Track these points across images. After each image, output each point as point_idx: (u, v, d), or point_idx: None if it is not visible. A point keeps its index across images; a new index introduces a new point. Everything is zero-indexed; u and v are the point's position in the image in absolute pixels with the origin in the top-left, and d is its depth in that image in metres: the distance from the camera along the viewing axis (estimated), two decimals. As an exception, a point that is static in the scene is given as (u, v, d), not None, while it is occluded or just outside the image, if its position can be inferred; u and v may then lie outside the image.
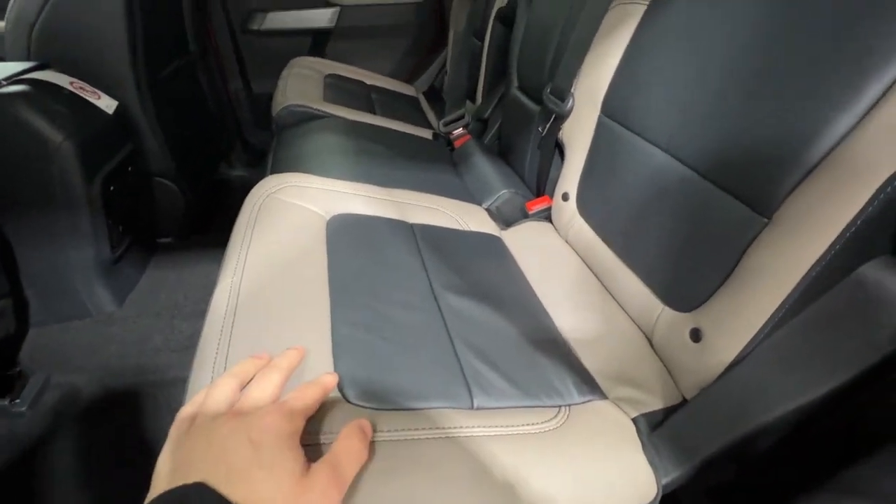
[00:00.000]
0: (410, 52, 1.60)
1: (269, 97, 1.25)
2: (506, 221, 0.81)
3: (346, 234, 0.62)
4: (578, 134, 0.70)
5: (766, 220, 0.40)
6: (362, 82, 1.41)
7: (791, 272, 0.37)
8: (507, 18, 1.01)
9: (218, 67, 1.48)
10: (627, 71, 0.60)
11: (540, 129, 0.77)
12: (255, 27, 1.45)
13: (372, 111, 1.22)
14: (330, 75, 1.36)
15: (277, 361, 0.34)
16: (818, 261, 0.36)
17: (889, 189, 0.32)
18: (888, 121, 0.33)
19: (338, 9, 1.47)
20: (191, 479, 0.23)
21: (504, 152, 1.00)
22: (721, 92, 0.46)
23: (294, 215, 0.62)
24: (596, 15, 0.66)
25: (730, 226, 0.43)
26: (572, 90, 0.70)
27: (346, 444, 0.29)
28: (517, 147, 0.94)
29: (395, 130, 1.07)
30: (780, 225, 0.39)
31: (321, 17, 1.48)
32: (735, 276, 0.43)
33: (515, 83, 0.95)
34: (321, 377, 0.35)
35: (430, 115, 1.38)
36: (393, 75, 1.58)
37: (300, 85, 1.19)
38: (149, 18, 0.95)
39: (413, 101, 1.44)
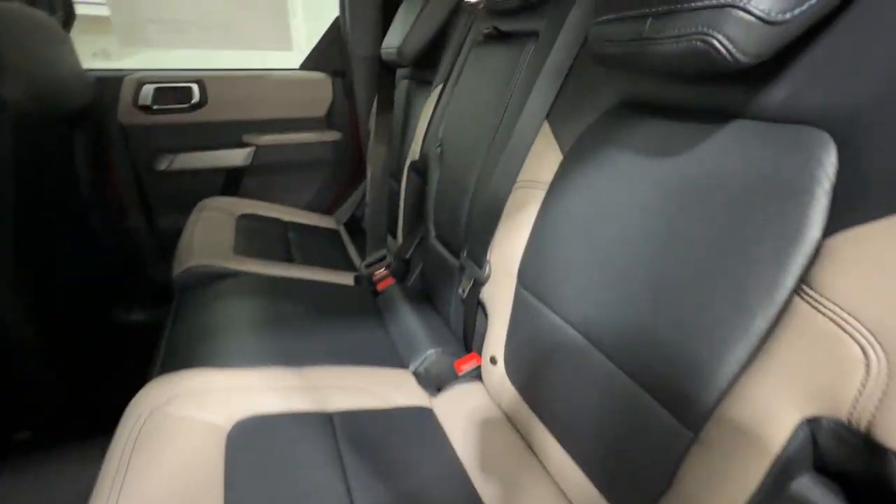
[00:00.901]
0: (329, 186, 1.62)
1: (178, 232, 1.17)
2: (436, 384, 0.77)
3: (249, 450, 0.53)
4: (498, 300, 0.71)
5: (691, 434, 0.40)
6: (279, 220, 1.38)
7: (726, 500, 0.36)
8: (420, 170, 1.06)
9: (119, 206, 1.37)
10: (536, 249, 0.63)
11: (461, 290, 0.77)
12: (162, 168, 1.40)
13: (289, 255, 1.17)
14: (244, 216, 1.31)
15: None
16: (755, 491, 0.35)
17: (805, 428, 0.33)
18: (784, 365, 0.35)
19: (253, 148, 1.48)
20: None
21: (429, 296, 0.99)
22: (626, 280, 0.48)
23: (185, 435, 0.52)
24: (501, 193, 0.70)
25: (658, 435, 0.42)
26: (488, 257, 0.72)
27: None
28: (441, 296, 0.93)
29: (313, 282, 1.02)
30: (711, 445, 0.39)
31: (235, 157, 1.47)
32: (672, 494, 0.41)
33: (433, 233, 0.97)
34: None
35: (352, 249, 1.37)
36: (312, 208, 1.58)
37: (208, 234, 1.12)
38: (24, 181, 0.86)
39: (333, 236, 1.43)
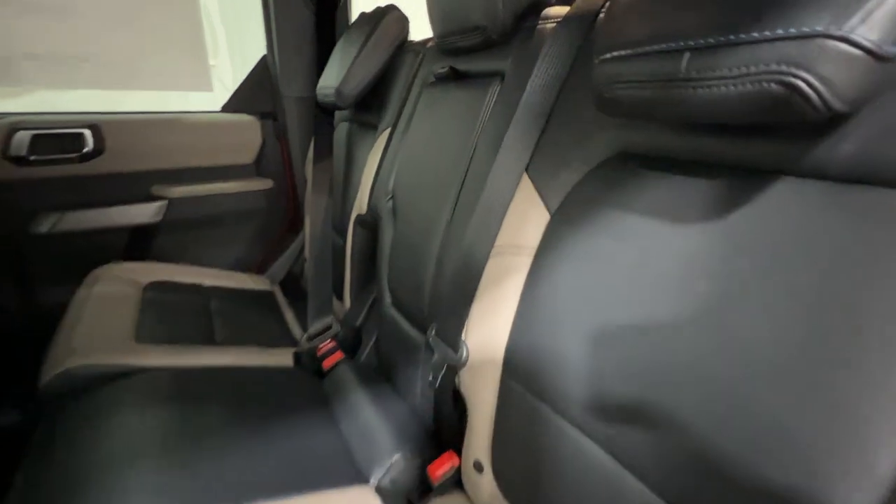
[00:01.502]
0: (260, 240, 1.43)
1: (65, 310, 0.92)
2: (406, 498, 0.61)
3: None
4: (480, 391, 0.57)
5: None
6: (198, 286, 1.16)
7: None
8: (368, 225, 0.92)
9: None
10: (526, 332, 0.51)
11: (431, 377, 0.63)
12: (43, 230, 1.13)
13: (210, 333, 0.96)
14: (152, 285, 1.08)
15: None
16: None
17: None
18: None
19: (165, 202, 1.26)
20: None
21: (386, 372, 0.83)
22: (668, 376, 0.37)
23: None
24: (475, 259, 0.57)
25: None
26: (463, 338, 0.59)
27: None
28: (403, 376, 0.78)
29: (241, 369, 0.82)
30: None
31: (142, 213, 1.24)
32: None
33: (388, 299, 0.82)
34: None
35: (289, 315, 1.17)
36: (240, 267, 1.37)
37: (100, 316, 0.89)
38: None
39: (266, 300, 1.23)
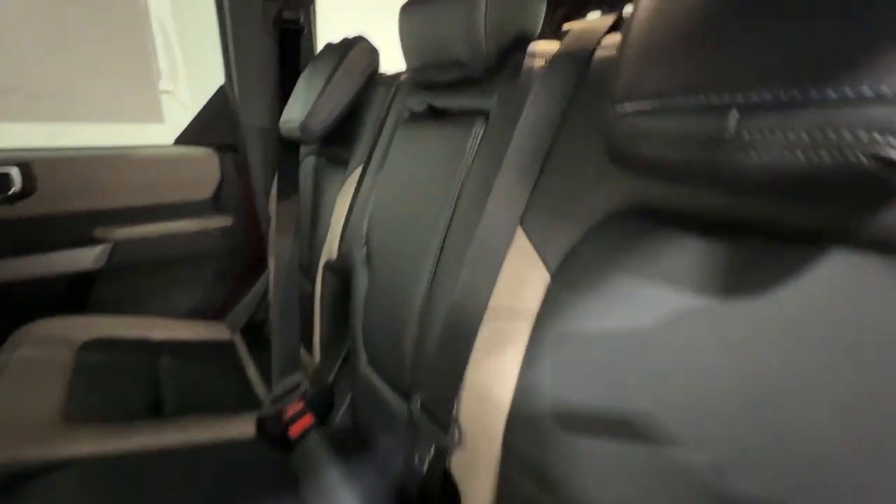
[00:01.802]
0: (218, 283, 1.31)
1: None
2: None
3: None
4: (475, 479, 0.49)
5: None
6: (146, 341, 1.03)
7: None
8: (339, 272, 0.84)
9: None
10: (531, 412, 0.43)
11: (418, 459, 0.54)
12: (-43, 283, 0.98)
13: (157, 401, 0.84)
14: (89, 344, 0.95)
15: None
16: None
17: None
18: None
19: (109, 245, 1.13)
20: None
21: (363, 443, 0.73)
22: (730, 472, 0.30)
23: None
24: (466, 322, 0.50)
25: None
26: (455, 415, 0.51)
27: None
28: (383, 448, 0.69)
29: (191, 449, 0.71)
30: None
31: (81, 259, 1.10)
32: None
33: (364, 358, 0.73)
34: None
35: (251, 369, 1.05)
36: (196, 313, 1.24)
37: (22, 390, 0.76)
38: None
39: (225, 353, 1.11)
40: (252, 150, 1.25)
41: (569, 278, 0.44)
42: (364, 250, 0.74)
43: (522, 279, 0.47)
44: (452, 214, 0.59)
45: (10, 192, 1.02)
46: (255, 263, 1.31)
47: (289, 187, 1.05)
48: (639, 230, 0.40)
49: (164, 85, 3.60)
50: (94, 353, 0.92)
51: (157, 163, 1.22)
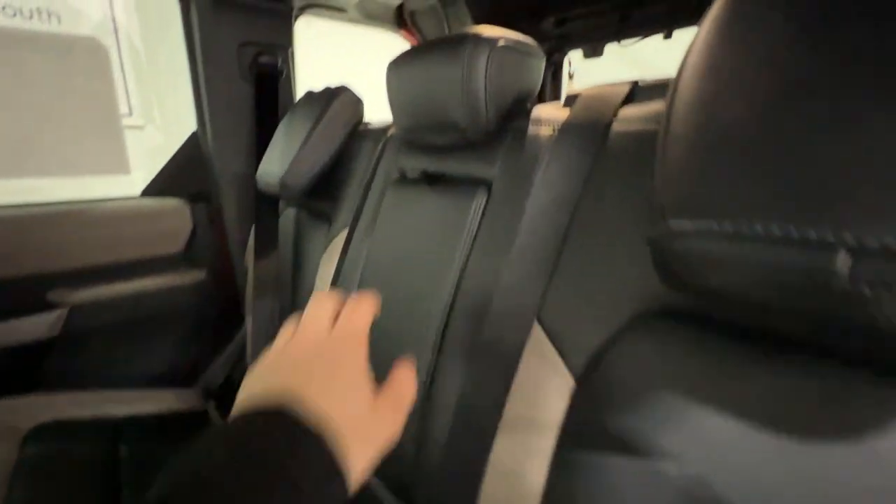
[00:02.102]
0: (189, 345, 1.20)
1: None
2: None
3: None
4: None
5: None
6: (104, 420, 0.92)
7: None
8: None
9: None
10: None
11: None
12: None
13: (115, 501, 0.73)
14: (36, 432, 0.83)
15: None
16: None
17: None
18: None
19: (65, 310, 1.02)
20: (286, 389, 0.25)
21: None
22: None
23: None
24: (478, 434, 0.43)
25: None
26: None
27: (403, 374, 0.31)
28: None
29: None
30: None
31: (32, 328, 0.99)
32: None
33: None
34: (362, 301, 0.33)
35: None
36: (164, 380, 1.13)
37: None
38: None
39: (195, 428, 0.99)
40: (227, 200, 1.17)
41: (597, 387, 0.38)
42: (353, 325, 0.67)
43: (543, 385, 0.41)
44: (454, 296, 0.52)
45: (-52, 258, 0.91)
46: (230, 321, 1.22)
47: (267, 242, 0.98)
48: (684, 338, 0.34)
49: (134, 120, 3.50)
50: (41, 443, 0.80)
51: (122, 217, 1.12)
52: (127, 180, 1.21)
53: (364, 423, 0.26)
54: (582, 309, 0.40)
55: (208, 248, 1.21)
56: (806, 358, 0.28)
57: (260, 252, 0.96)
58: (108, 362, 1.08)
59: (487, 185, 0.53)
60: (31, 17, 2.93)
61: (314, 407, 0.24)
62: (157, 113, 3.31)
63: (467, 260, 0.52)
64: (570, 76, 1.46)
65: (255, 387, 0.27)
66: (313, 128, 0.83)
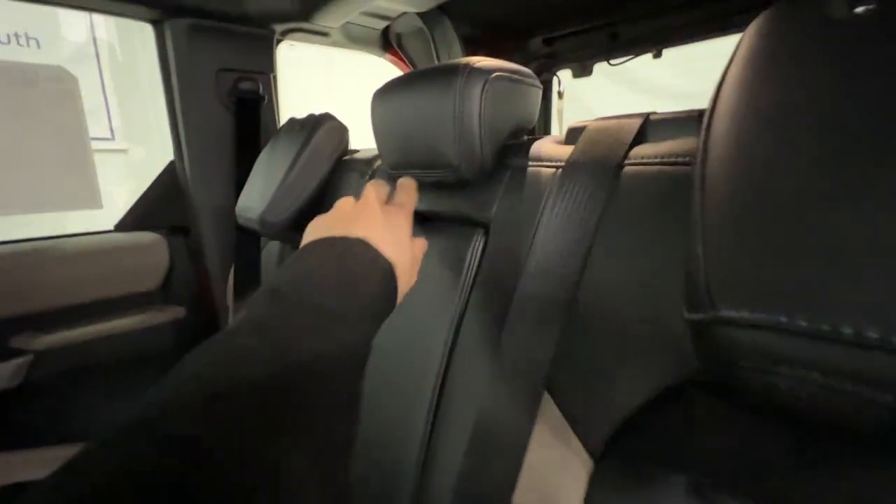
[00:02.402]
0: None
1: None
2: None
3: None
4: None
5: None
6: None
7: None
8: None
9: None
10: None
11: None
12: None
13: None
14: (6, 492, 0.75)
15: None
16: None
17: None
18: None
19: (29, 357, 0.94)
20: (358, 232, 0.32)
21: None
22: None
23: None
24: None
25: None
26: None
27: (419, 242, 0.41)
28: None
29: None
30: None
31: (-8, 378, 0.91)
32: None
33: None
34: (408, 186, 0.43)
35: None
36: (140, 428, 1.04)
37: None
38: None
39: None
40: (206, 232, 1.11)
41: (618, 470, 0.32)
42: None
43: (558, 465, 0.35)
44: (450, 347, 0.47)
45: None
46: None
47: (248, 279, 0.92)
48: (712, 415, 0.29)
49: (117, 144, 3.41)
50: (-4, 513, 0.72)
51: (94, 253, 1.06)
52: (103, 213, 1.15)
53: (406, 270, 0.35)
54: (595, 382, 0.35)
55: (187, 284, 1.15)
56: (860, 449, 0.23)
57: (240, 292, 0.91)
58: (79, 412, 1.00)
59: (484, 227, 0.49)
60: (7, 41, 2.85)
61: (381, 247, 0.32)
62: (141, 136, 3.24)
63: (466, 307, 0.47)
64: (560, 95, 1.43)
65: (327, 231, 0.32)
66: (296, 159, 0.78)
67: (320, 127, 0.81)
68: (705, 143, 0.25)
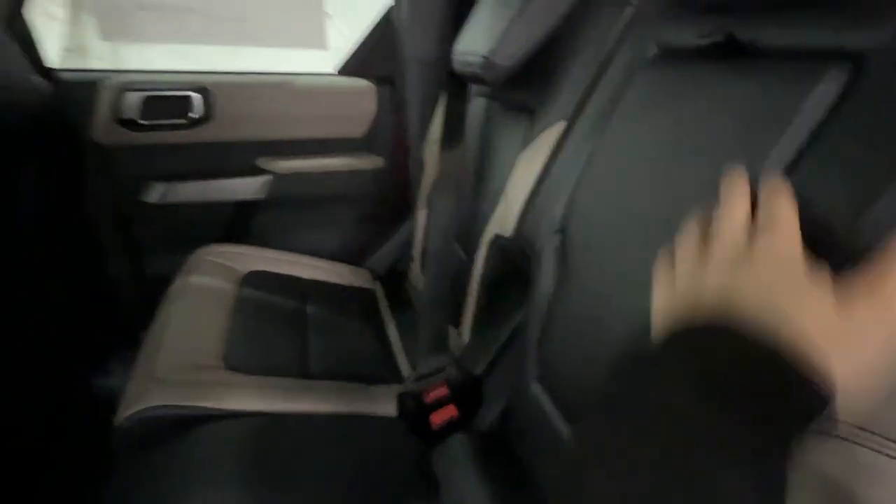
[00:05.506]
0: (362, 227, 1.26)
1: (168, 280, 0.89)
2: None
3: None
4: None
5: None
6: (297, 280, 1.03)
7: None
8: (511, 254, 0.68)
9: (95, 250, 1.06)
10: None
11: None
12: (153, 200, 1.07)
13: (304, 355, 0.81)
14: (250, 277, 0.96)
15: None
16: None
17: None
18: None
19: (270, 177, 1.13)
20: (731, 299, 0.22)
21: (519, 472, 0.61)
22: None
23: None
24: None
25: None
26: None
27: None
28: (542, 482, 0.55)
29: (337, 419, 0.67)
30: None
31: (246, 188, 1.13)
32: None
33: (534, 371, 0.59)
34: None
35: (391, 329, 1.00)
36: (340, 255, 1.22)
37: (190, 324, 0.78)
38: None
39: (367, 303, 1.07)
40: (411, 84, 1.11)
41: None
42: (557, 239, 0.56)
43: None
44: None
45: (193, 117, 1.04)
46: (399, 210, 1.23)
47: (453, 134, 0.90)
48: None
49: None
50: (252, 288, 0.93)
51: (318, 93, 1.16)
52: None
53: (831, 326, 0.21)
54: None
55: (389, 135, 1.20)
56: None
57: (444, 147, 0.90)
58: (296, 230, 1.20)
59: (851, 59, 0.33)
60: None
61: (772, 321, 0.20)
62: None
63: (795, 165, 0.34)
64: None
65: (684, 294, 0.26)
66: (530, -6, 0.67)
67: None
68: None
